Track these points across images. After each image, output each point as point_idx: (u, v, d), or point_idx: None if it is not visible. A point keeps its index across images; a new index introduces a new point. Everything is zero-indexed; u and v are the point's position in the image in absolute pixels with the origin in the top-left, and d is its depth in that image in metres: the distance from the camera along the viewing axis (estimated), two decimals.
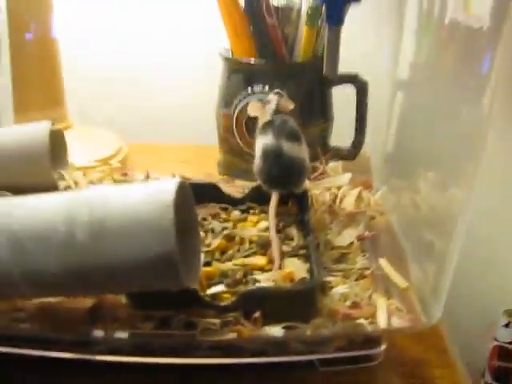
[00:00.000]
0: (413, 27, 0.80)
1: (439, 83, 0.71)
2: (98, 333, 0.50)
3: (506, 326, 1.18)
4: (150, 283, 0.48)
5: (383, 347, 0.54)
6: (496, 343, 1.21)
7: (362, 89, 0.88)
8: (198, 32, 1.10)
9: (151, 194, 0.48)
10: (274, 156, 0.66)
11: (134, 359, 0.52)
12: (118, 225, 0.47)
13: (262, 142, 0.68)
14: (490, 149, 0.53)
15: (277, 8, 0.87)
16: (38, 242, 0.47)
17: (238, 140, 0.89)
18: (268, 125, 0.69)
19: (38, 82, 0.97)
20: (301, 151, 0.68)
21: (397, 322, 0.52)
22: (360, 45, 0.83)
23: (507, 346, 1.20)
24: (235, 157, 0.92)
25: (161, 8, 1.12)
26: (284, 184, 0.68)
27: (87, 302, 0.51)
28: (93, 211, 0.47)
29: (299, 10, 0.88)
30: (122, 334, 0.50)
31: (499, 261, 1.25)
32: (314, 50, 0.89)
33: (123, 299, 0.52)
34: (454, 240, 0.54)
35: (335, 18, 0.63)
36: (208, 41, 0.99)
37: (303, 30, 0.88)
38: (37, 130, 0.75)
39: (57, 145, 0.77)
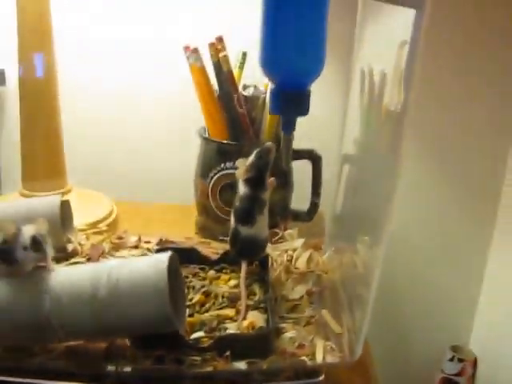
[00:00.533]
0: (356, 111, 0.92)
1: (372, 159, 0.84)
2: (110, 368, 0.66)
3: (451, 359, 1.35)
4: (152, 326, 0.65)
5: (321, 377, 0.69)
6: (442, 375, 1.37)
7: (316, 162, 1.02)
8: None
9: (151, 265, 0.66)
10: (233, 237, 0.83)
11: None
12: (128, 285, 0.65)
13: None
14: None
15: (246, 97, 1.01)
16: (72, 296, 0.65)
17: (213, 206, 1.03)
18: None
19: (44, 155, 1.11)
20: (256, 231, 0.83)
21: (330, 359, 0.69)
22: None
23: (452, 377, 1.36)
24: (210, 219, 1.04)
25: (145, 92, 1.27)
26: (244, 256, 0.82)
27: (102, 345, 0.68)
28: (110, 275, 0.65)
29: (264, 98, 1.02)
30: (128, 369, 0.66)
31: (446, 303, 1.41)
32: (276, 133, 1.03)
33: (128, 342, 0.69)
34: (372, 291, 0.67)
35: (288, 128, 0.80)
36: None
37: (267, 115, 1.02)
38: (49, 202, 0.91)
39: (65, 213, 0.91)
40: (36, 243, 0.66)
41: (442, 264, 1.39)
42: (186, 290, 0.77)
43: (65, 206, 0.92)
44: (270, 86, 0.77)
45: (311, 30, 0.73)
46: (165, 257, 0.66)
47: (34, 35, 1.04)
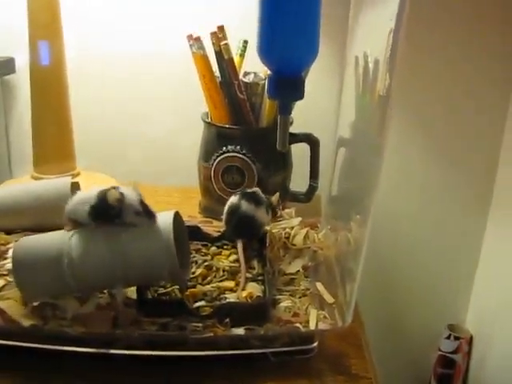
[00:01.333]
0: (350, 96, 0.96)
1: (365, 142, 0.87)
2: (119, 333, 0.72)
3: (448, 337, 1.40)
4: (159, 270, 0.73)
5: (315, 344, 0.74)
6: (439, 352, 1.42)
7: (314, 146, 1.07)
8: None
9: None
10: (231, 212, 0.88)
11: (142, 352, 0.72)
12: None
13: (230, 200, 0.89)
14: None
15: (246, 84, 1.06)
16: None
17: (215, 188, 1.08)
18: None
19: (54, 140, 1.16)
20: (257, 212, 0.88)
21: (322, 326, 0.74)
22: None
23: (449, 355, 1.41)
24: (212, 200, 1.10)
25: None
26: (238, 235, 0.87)
27: (110, 313, 0.73)
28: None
29: (263, 85, 1.07)
30: (135, 334, 0.72)
31: (443, 283, 1.45)
32: (275, 117, 1.04)
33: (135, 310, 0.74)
34: (359, 267, 0.72)
35: (285, 111, 0.85)
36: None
37: (266, 101, 1.07)
38: (60, 184, 0.96)
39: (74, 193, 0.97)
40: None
41: (439, 244, 1.43)
42: (190, 248, 0.84)
43: (75, 188, 0.96)
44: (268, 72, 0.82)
45: (305, 19, 0.77)
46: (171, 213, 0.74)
47: (44, 23, 1.09)
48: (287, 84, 0.80)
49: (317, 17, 0.77)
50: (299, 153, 1.10)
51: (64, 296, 0.75)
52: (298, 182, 1.14)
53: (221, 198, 1.07)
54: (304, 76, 0.82)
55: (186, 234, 0.78)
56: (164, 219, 0.73)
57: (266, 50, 0.78)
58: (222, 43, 1.00)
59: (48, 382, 0.71)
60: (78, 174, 1.18)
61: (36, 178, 1.16)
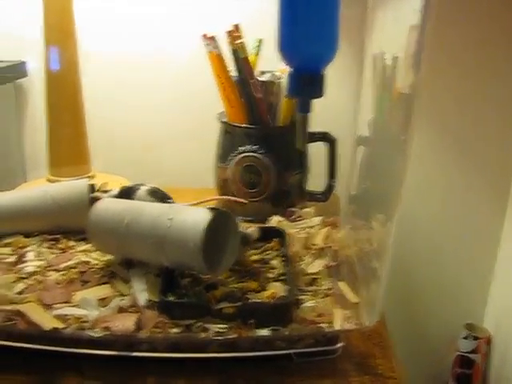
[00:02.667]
0: (368, 94, 0.96)
1: (386, 141, 0.87)
2: (143, 336, 0.71)
3: (465, 337, 1.39)
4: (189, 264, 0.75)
5: (340, 344, 0.74)
6: (458, 353, 1.41)
7: (331, 144, 1.07)
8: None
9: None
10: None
11: (165, 355, 0.72)
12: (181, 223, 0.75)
13: None
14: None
15: (262, 82, 1.05)
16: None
17: (232, 188, 1.07)
18: None
19: (69, 143, 1.17)
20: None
21: (347, 326, 0.73)
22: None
23: (467, 355, 1.40)
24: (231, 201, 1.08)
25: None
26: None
27: (133, 315, 0.73)
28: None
29: (280, 84, 1.06)
30: (158, 336, 0.71)
31: (460, 282, 1.44)
32: (291, 116, 1.07)
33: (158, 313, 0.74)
34: (385, 265, 0.72)
35: (304, 109, 0.84)
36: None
37: (283, 100, 1.07)
38: (78, 186, 0.96)
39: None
40: None
41: (457, 243, 1.43)
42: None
43: (91, 189, 0.97)
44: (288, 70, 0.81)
45: (325, 16, 0.76)
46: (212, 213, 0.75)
47: (59, 26, 1.10)
48: (307, 81, 0.80)
49: (337, 12, 0.76)
50: (313, 152, 1.10)
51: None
52: (312, 181, 1.14)
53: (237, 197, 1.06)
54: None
55: (234, 232, 0.79)
56: (200, 221, 0.74)
57: (287, 47, 0.78)
58: (237, 41, 1.00)
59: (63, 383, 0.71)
60: (93, 177, 1.19)
61: (52, 181, 1.17)
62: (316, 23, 0.76)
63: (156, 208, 0.81)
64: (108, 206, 0.86)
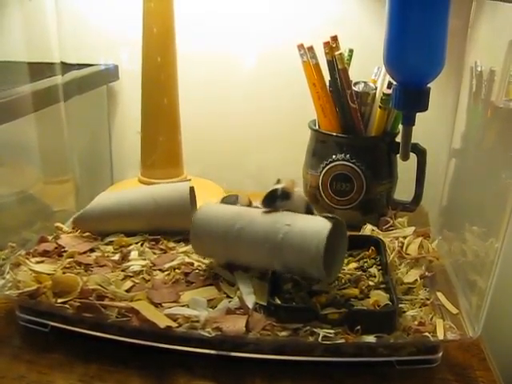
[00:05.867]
0: (464, 107, 0.98)
1: (483, 154, 0.90)
2: (252, 337, 0.73)
3: None
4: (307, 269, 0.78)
5: (440, 354, 0.75)
6: None
7: (421, 155, 1.07)
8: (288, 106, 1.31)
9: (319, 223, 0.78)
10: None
11: (273, 357, 0.74)
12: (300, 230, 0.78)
13: None
14: None
15: (357, 93, 1.07)
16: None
17: (323, 196, 1.10)
18: None
19: (163, 146, 1.20)
20: None
21: (451, 336, 0.74)
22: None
23: None
24: (319, 208, 1.09)
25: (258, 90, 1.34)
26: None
27: (243, 318, 0.75)
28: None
29: (374, 95, 1.08)
30: (267, 339, 0.73)
31: None
32: (384, 127, 1.09)
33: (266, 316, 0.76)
34: (491, 279, 0.72)
35: (408, 121, 0.86)
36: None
37: (376, 110, 1.08)
38: (180, 188, 1.00)
39: (191, 197, 1.00)
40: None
41: None
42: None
43: (191, 193, 1.00)
44: (394, 84, 0.83)
45: (434, 33, 0.78)
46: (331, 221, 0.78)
47: (159, 31, 1.13)
48: (413, 95, 0.82)
49: (445, 28, 0.78)
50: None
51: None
52: (399, 190, 1.15)
53: (328, 206, 1.10)
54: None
55: (345, 240, 0.82)
56: (321, 229, 0.77)
57: (394, 62, 0.80)
58: (336, 53, 1.02)
59: (172, 380, 0.73)
60: (187, 180, 1.20)
61: (143, 182, 1.20)
62: (426, 39, 0.78)
63: (268, 215, 0.83)
64: (215, 209, 0.89)
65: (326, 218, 0.79)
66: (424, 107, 0.83)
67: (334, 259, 0.81)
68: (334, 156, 1.07)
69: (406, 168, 1.08)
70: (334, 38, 1.03)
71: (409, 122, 0.86)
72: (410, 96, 0.83)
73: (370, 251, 0.91)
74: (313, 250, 0.76)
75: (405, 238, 0.97)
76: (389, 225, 1.02)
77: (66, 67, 1.15)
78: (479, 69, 0.92)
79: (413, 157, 1.05)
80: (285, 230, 0.79)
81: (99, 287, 0.80)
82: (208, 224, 0.86)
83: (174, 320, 0.76)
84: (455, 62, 0.95)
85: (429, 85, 0.85)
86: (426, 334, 0.74)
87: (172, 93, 1.17)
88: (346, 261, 0.88)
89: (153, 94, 1.17)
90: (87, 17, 1.30)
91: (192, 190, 1.00)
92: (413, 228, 0.99)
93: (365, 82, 1.09)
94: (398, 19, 0.79)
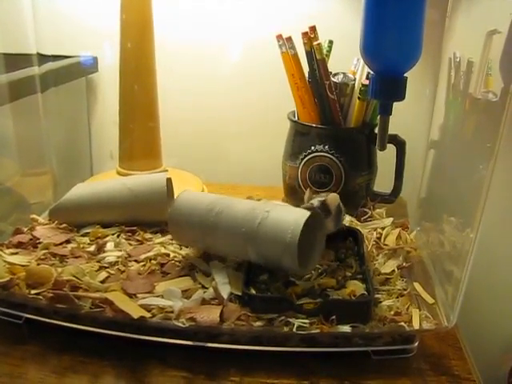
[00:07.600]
0: (443, 98, 0.97)
1: (461, 145, 0.89)
2: (226, 328, 0.73)
3: None
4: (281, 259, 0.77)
5: (416, 344, 0.75)
6: None
7: (400, 147, 1.06)
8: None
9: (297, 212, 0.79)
10: None
11: (248, 347, 0.74)
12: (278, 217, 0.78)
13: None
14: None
15: (336, 84, 1.07)
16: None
17: (302, 187, 1.08)
18: None
19: (141, 137, 1.18)
20: None
21: (426, 325, 0.74)
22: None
23: None
24: (298, 200, 1.05)
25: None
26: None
27: (217, 309, 0.75)
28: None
29: (353, 86, 1.07)
30: (242, 329, 0.73)
31: None
32: (363, 118, 1.09)
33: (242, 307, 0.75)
34: (466, 269, 0.72)
35: (385, 111, 0.86)
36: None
37: (355, 101, 1.07)
38: (156, 179, 0.99)
39: (168, 188, 0.99)
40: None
41: None
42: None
43: (168, 184, 0.99)
44: (371, 73, 0.83)
45: (412, 21, 0.78)
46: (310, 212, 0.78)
47: (136, 23, 1.12)
48: (390, 84, 0.82)
49: (423, 17, 0.78)
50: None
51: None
52: (378, 182, 1.14)
53: None
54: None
55: (323, 234, 0.82)
56: (298, 217, 0.77)
57: (371, 51, 0.80)
58: (314, 43, 1.01)
59: (146, 370, 0.73)
60: (164, 171, 1.19)
61: (121, 174, 1.18)
62: (403, 28, 0.78)
63: (249, 202, 0.84)
64: (194, 196, 0.89)
65: (306, 208, 0.78)
66: (400, 96, 0.83)
67: (311, 252, 0.80)
68: (312, 147, 1.06)
69: (385, 160, 1.08)
70: (313, 29, 1.02)
71: (385, 112, 0.85)
72: (387, 85, 0.83)
73: (348, 242, 0.91)
74: (287, 237, 0.75)
75: (383, 228, 0.97)
76: (367, 216, 1.02)
77: (44, 59, 1.14)
78: (457, 60, 0.91)
79: (392, 148, 1.06)
80: (263, 216, 0.78)
81: (73, 278, 0.79)
82: (187, 208, 0.85)
83: (148, 311, 0.75)
84: (433, 53, 0.94)
85: (406, 75, 0.84)
86: (402, 323, 0.74)
87: (150, 84, 1.16)
88: (323, 252, 0.87)
89: (130, 84, 1.15)
90: (67, 9, 1.30)
91: (169, 181, 0.99)
92: (391, 219, 1.00)
93: (344, 73, 1.08)
94: (374, 8, 0.79)
